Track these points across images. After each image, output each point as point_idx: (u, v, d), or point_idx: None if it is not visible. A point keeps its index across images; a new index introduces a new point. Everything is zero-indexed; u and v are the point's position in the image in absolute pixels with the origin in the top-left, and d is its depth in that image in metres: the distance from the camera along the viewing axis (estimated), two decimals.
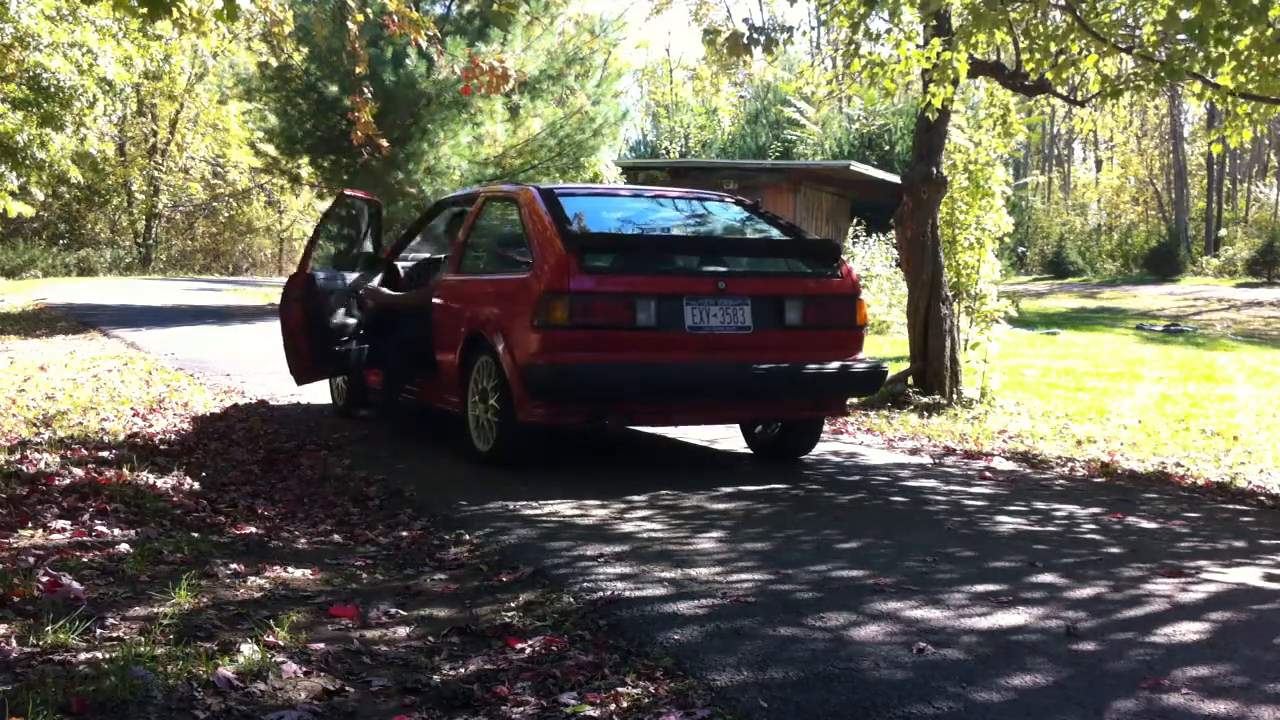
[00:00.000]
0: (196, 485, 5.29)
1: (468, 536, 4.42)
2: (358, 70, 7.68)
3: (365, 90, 7.94)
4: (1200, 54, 6.38)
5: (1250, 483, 6.14)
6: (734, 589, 3.66)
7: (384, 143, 8.11)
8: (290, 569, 3.92)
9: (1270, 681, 2.95)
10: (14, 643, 2.95)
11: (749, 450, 6.66)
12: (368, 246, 7.57)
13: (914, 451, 6.94)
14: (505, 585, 3.78)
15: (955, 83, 7.72)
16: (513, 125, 17.78)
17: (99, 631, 3.11)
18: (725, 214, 6.82)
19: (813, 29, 43.08)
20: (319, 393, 8.71)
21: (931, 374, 8.69)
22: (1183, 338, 18.12)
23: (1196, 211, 44.66)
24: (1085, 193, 53.17)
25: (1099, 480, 6.13)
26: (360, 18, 7.33)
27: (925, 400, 8.50)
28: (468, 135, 17.36)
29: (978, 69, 8.39)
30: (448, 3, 19.14)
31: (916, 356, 8.85)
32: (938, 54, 7.38)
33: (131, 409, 7.56)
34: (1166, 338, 18.03)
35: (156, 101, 37.91)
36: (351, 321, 7.27)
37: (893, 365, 7.61)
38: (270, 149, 20.00)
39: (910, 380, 8.80)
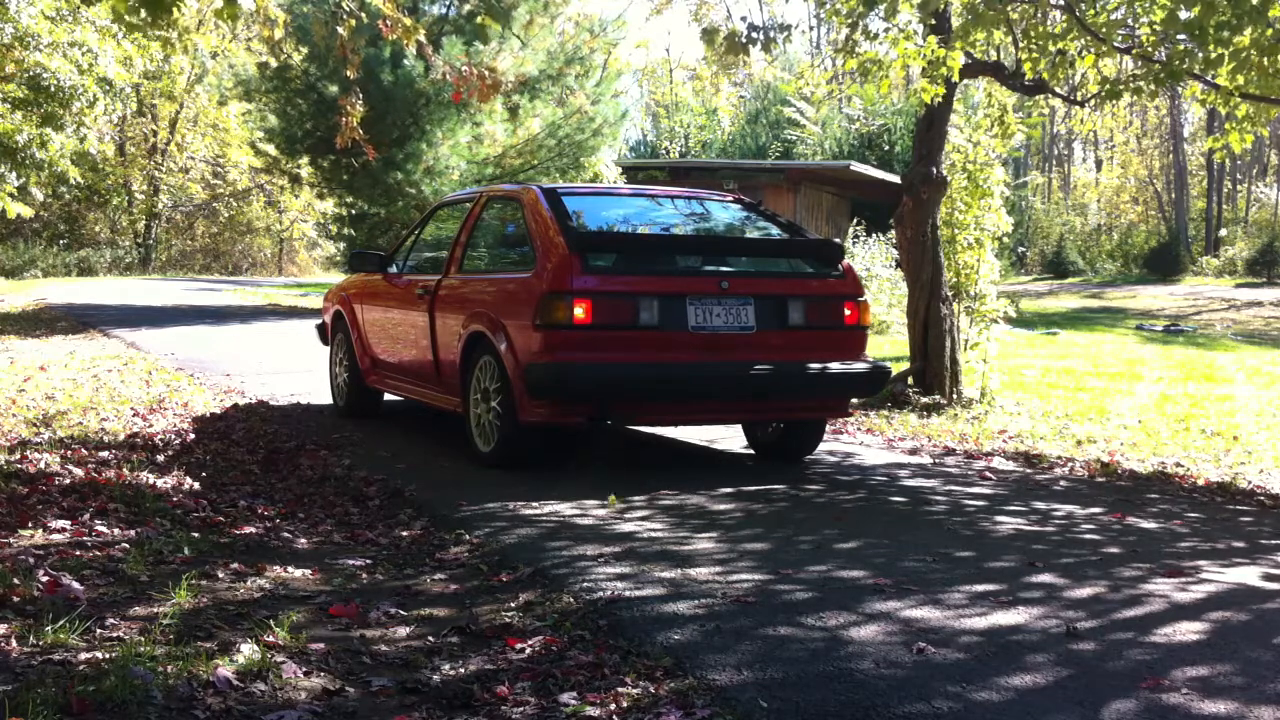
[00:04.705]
0: (196, 485, 5.29)
1: (468, 536, 4.42)
2: (348, 74, 7.67)
3: (354, 93, 7.92)
4: (1200, 54, 6.39)
5: (1250, 483, 6.14)
6: (734, 589, 3.66)
7: (371, 148, 8.07)
8: (290, 569, 3.92)
9: (1269, 681, 2.95)
10: (14, 643, 2.95)
11: (750, 450, 6.67)
12: None
13: (913, 451, 6.94)
14: (505, 585, 3.79)
15: (949, 82, 7.72)
16: (512, 125, 17.78)
17: (99, 631, 3.11)
18: (727, 213, 6.82)
19: (811, 28, 43.14)
20: (319, 393, 8.71)
21: (931, 374, 8.69)
22: (1183, 338, 18.12)
23: (1196, 212, 44.67)
24: (1085, 193, 53.19)
25: (1099, 480, 6.14)
26: (352, 22, 7.30)
27: (925, 400, 8.50)
28: (467, 135, 17.37)
29: (976, 69, 8.39)
30: (447, 2, 19.14)
31: (916, 356, 8.85)
32: (932, 51, 7.38)
33: (131, 409, 7.56)
34: (1167, 338, 18.03)
35: (156, 102, 37.93)
36: None
37: (893, 365, 7.61)
38: (270, 149, 20.02)
39: (910, 380, 8.80)
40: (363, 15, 7.55)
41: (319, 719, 2.65)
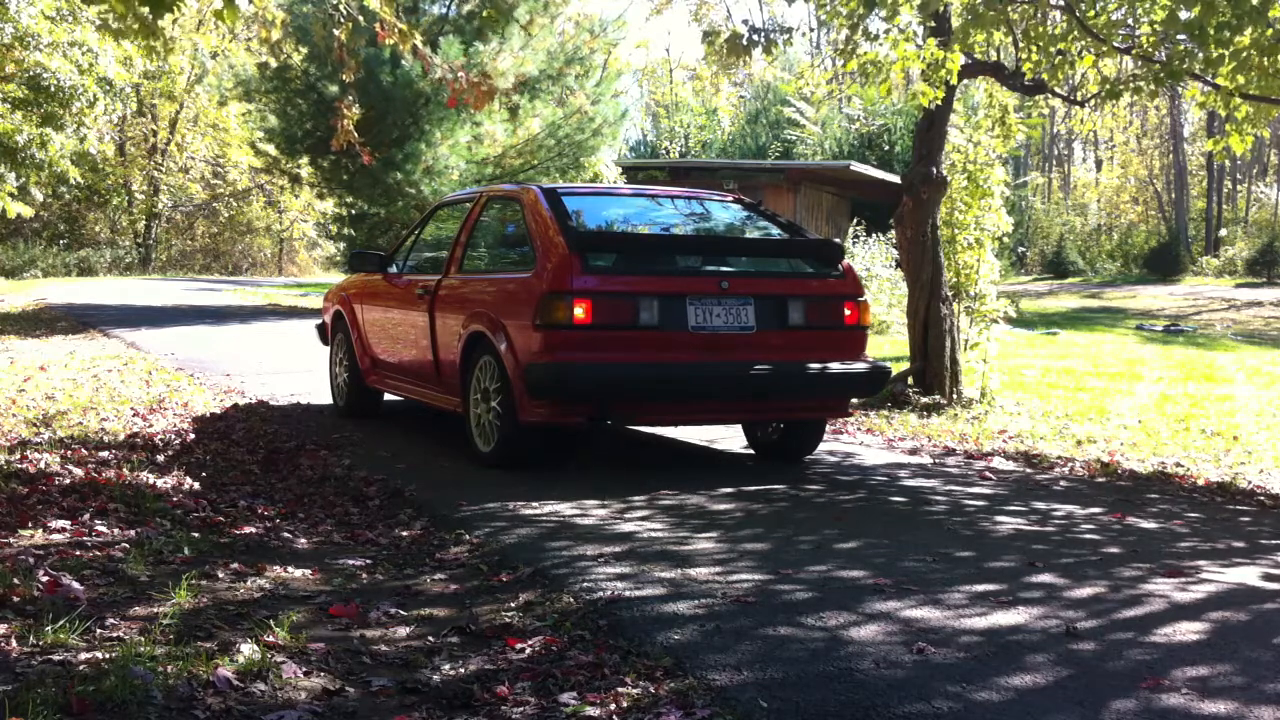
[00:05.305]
0: (196, 485, 5.29)
1: (468, 536, 4.42)
2: (345, 77, 7.67)
3: (351, 97, 7.93)
4: (1200, 54, 6.39)
5: (1250, 483, 6.14)
6: (734, 589, 3.66)
7: (366, 152, 8.07)
8: (290, 569, 3.92)
9: (1269, 681, 2.95)
10: (14, 643, 2.95)
11: (750, 450, 6.67)
12: None
13: (913, 451, 6.94)
14: (505, 585, 3.79)
15: (949, 84, 7.72)
16: (512, 125, 17.78)
17: (99, 631, 3.11)
18: (727, 213, 6.82)
19: (812, 30, 43.14)
20: (319, 393, 8.71)
21: (931, 374, 8.69)
22: (1183, 338, 18.12)
23: (1196, 212, 44.69)
24: (1085, 193, 53.18)
25: (1099, 480, 6.14)
26: (349, 25, 7.30)
27: (925, 400, 8.50)
28: (466, 135, 17.37)
29: (976, 69, 8.40)
30: (447, 2, 19.14)
31: (916, 356, 8.85)
32: (931, 54, 7.38)
33: (131, 409, 7.56)
34: (1167, 338, 18.03)
35: (156, 102, 37.94)
36: None
37: (893, 365, 7.61)
38: (270, 149, 20.01)
39: (910, 380, 8.80)
40: (360, 19, 7.55)
41: (319, 719, 2.65)
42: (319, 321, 8.66)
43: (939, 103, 7.97)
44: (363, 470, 5.79)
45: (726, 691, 2.80)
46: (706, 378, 5.61)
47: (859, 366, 5.93)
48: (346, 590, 3.72)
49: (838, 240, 6.60)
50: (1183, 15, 6.39)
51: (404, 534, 4.53)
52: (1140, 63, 7.27)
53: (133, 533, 4.29)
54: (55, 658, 2.87)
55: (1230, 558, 4.37)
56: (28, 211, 16.62)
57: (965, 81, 8.71)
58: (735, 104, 46.50)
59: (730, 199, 7.08)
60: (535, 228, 5.78)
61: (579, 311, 5.35)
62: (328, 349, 8.34)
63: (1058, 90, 8.31)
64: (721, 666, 2.96)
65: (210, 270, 39.72)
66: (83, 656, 2.88)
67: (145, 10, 5.44)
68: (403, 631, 3.32)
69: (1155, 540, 4.62)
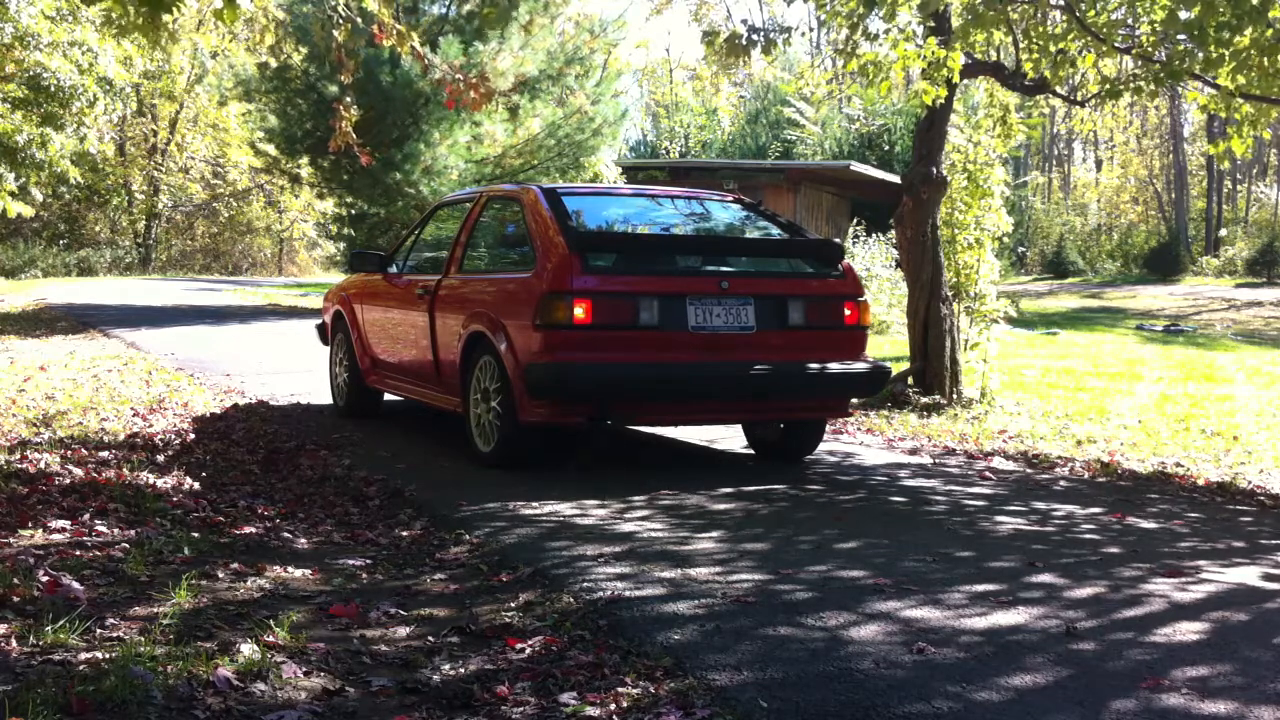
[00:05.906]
0: (196, 485, 5.29)
1: (468, 536, 4.42)
2: (344, 78, 7.67)
3: (349, 99, 7.94)
4: (1200, 54, 6.39)
5: (1250, 483, 6.14)
6: (734, 589, 3.66)
7: (365, 154, 8.08)
8: (290, 569, 3.92)
9: (1269, 681, 2.95)
10: (14, 643, 2.95)
11: (750, 450, 6.67)
12: None
13: (913, 451, 6.94)
14: (505, 585, 3.79)
15: (950, 83, 7.72)
16: (512, 125, 17.78)
17: (99, 631, 3.11)
18: (727, 213, 6.82)
19: (812, 30, 43.13)
20: (319, 393, 8.71)
21: (931, 374, 8.69)
22: (1183, 338, 18.12)
23: (1196, 212, 44.69)
24: (1085, 193, 53.18)
25: (1099, 480, 6.14)
26: (348, 27, 7.31)
27: (925, 400, 8.50)
28: (466, 135, 17.36)
29: (977, 69, 8.39)
30: (447, 2, 19.14)
31: (916, 356, 8.85)
32: (932, 53, 7.38)
33: (131, 409, 7.56)
34: (1167, 338, 18.03)
35: (156, 102, 37.94)
36: None
37: (893, 365, 7.61)
38: (270, 149, 20.01)
39: (910, 380, 8.80)
40: (359, 20, 7.56)
41: (319, 719, 2.65)
42: (319, 321, 8.66)
43: (940, 101, 7.97)
44: (363, 470, 5.79)
45: (726, 691, 2.80)
46: (706, 378, 5.61)
47: (859, 366, 5.93)
48: (346, 590, 3.72)
49: (838, 240, 6.60)
50: (1183, 15, 6.39)
51: (404, 534, 4.53)
52: (1140, 63, 7.27)
53: (133, 533, 4.29)
54: (55, 658, 2.87)
55: (1230, 558, 4.37)
56: (28, 211, 16.62)
57: (965, 81, 8.71)
58: (735, 104, 46.51)
59: (730, 199, 7.08)
60: (535, 228, 5.78)
61: (579, 311, 5.35)
62: (328, 349, 8.35)
63: (1058, 90, 8.31)
64: (721, 666, 2.96)
65: (210, 270, 39.71)
66: (83, 656, 2.88)
67: (145, 9, 5.43)
68: (403, 631, 3.32)
69: (1155, 540, 4.62)
